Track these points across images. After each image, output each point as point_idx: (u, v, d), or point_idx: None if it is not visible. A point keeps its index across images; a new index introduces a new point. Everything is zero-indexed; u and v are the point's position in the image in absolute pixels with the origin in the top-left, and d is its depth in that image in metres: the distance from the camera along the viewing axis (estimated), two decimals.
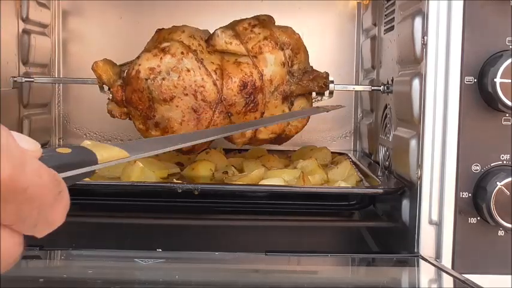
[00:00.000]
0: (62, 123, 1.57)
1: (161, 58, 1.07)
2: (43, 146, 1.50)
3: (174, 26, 1.14)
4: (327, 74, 1.16)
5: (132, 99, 1.10)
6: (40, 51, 1.42)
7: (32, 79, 1.29)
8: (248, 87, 1.09)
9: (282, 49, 1.11)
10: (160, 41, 1.11)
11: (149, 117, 1.10)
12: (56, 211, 0.46)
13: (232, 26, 1.13)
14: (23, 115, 1.36)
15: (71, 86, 1.56)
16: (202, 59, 1.08)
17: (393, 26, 1.15)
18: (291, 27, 1.15)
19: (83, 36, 1.55)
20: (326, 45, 1.56)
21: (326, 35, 1.56)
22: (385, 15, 1.24)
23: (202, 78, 1.07)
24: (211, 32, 1.14)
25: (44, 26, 1.47)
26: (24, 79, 1.28)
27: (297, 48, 1.13)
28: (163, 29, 1.15)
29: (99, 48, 1.52)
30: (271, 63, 1.11)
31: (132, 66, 1.10)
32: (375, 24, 1.37)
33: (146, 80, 1.08)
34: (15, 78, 1.27)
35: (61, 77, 1.54)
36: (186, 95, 1.07)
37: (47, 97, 1.51)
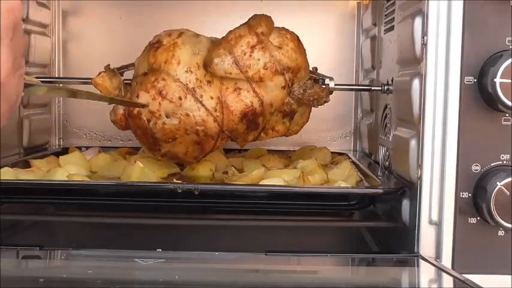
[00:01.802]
0: (62, 123, 1.57)
1: (160, 103, 1.06)
2: (43, 146, 1.51)
3: (170, 37, 1.10)
4: (327, 95, 1.14)
5: (137, 132, 1.12)
6: (40, 51, 1.42)
7: None
8: (249, 115, 1.09)
9: (283, 74, 1.09)
10: (154, 70, 1.07)
11: (154, 149, 1.13)
12: None
13: (230, 47, 1.07)
14: (23, 115, 1.36)
15: (71, 86, 1.55)
16: (201, 95, 1.07)
17: (393, 26, 1.15)
18: (291, 42, 1.10)
19: (83, 36, 1.55)
20: (326, 45, 1.56)
21: (326, 35, 1.56)
22: (385, 15, 1.24)
23: (203, 119, 1.07)
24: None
25: (44, 26, 1.47)
26: None
27: (298, 69, 1.10)
28: (158, 46, 1.09)
29: (99, 48, 1.52)
30: (272, 89, 1.09)
31: (133, 95, 1.09)
32: (375, 24, 1.37)
33: (148, 121, 1.08)
34: None
35: (61, 77, 1.54)
36: (188, 134, 1.08)
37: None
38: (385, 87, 1.17)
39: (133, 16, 1.53)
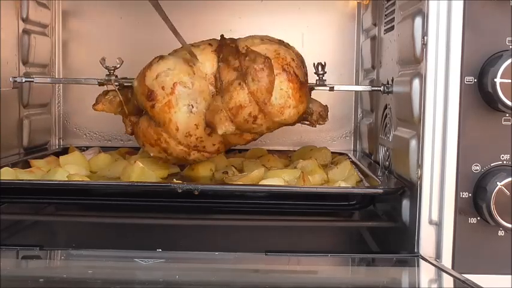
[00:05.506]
0: (62, 123, 1.57)
1: (166, 156, 1.13)
2: (43, 146, 1.51)
3: (164, 91, 1.07)
4: (325, 118, 1.18)
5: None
6: (40, 51, 1.42)
7: (32, 79, 1.29)
8: (250, 141, 1.16)
9: (285, 124, 1.14)
10: (155, 125, 1.09)
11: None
12: None
13: (232, 116, 1.07)
14: (23, 115, 1.36)
15: (71, 86, 1.56)
16: (204, 146, 1.12)
17: (393, 26, 1.15)
18: (293, 100, 1.08)
19: (83, 36, 1.55)
20: (326, 45, 1.56)
21: (326, 35, 1.56)
22: (385, 15, 1.24)
23: (208, 158, 1.15)
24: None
25: (44, 26, 1.47)
26: (24, 79, 1.28)
27: (300, 115, 1.13)
28: (153, 101, 1.07)
29: (99, 49, 1.52)
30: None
31: (139, 139, 1.14)
32: (375, 24, 1.37)
33: (158, 159, 1.15)
34: (15, 78, 1.27)
35: (61, 77, 1.54)
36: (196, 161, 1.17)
37: (47, 97, 1.51)
38: (385, 87, 1.17)
39: (133, 16, 1.53)
